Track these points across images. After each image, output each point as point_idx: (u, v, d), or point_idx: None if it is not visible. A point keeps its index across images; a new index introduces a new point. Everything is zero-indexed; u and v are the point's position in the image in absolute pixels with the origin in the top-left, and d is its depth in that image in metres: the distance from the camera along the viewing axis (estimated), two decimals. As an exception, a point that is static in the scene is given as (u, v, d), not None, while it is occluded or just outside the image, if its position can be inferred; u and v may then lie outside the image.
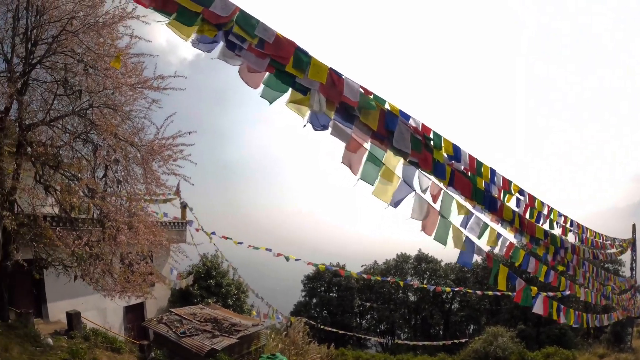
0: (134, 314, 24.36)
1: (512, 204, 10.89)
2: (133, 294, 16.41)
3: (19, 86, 13.99)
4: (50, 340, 15.35)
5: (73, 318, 17.83)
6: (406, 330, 53.73)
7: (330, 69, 6.00)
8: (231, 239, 27.03)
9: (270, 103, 6.33)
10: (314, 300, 53.11)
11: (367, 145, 6.99)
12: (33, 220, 14.59)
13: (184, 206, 27.48)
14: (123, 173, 15.51)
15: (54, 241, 14.27)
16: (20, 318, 16.26)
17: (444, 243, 7.79)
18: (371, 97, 6.56)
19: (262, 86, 6.24)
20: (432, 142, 7.32)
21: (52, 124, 14.93)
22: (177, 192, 21.34)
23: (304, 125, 6.50)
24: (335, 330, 36.35)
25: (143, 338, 22.08)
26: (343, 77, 6.12)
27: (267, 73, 6.07)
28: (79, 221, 16.32)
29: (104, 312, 21.67)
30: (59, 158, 15.12)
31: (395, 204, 7.21)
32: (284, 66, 5.81)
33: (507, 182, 10.09)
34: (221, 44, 5.86)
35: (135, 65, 15.00)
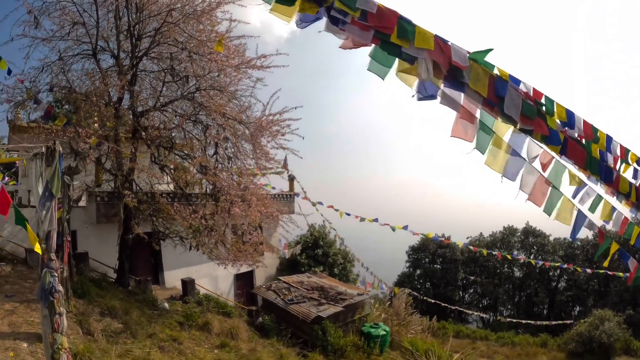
0: (244, 281, 25.66)
1: (628, 174, 9.91)
2: (244, 262, 17.21)
3: (129, 78, 14.97)
4: (166, 305, 16.52)
5: (187, 285, 19.09)
6: (509, 307, 51.86)
7: (436, 35, 5.85)
8: (337, 210, 27.19)
9: (381, 76, 6.23)
10: (418, 272, 52.69)
11: (478, 113, 6.76)
12: (152, 197, 15.81)
13: (291, 178, 28.26)
14: (233, 150, 16.23)
15: (171, 215, 15.33)
16: (139, 285, 17.65)
17: (553, 215, 7.33)
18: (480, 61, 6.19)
19: (368, 60, 6.16)
20: (544, 108, 6.82)
21: (163, 109, 16.02)
22: (285, 166, 21.74)
23: (413, 95, 6.43)
24: (437, 302, 35.80)
25: (251, 304, 23.18)
26: (449, 43, 5.94)
27: (373, 45, 5.99)
28: (193, 196, 17.48)
29: (215, 279, 23.08)
30: (173, 140, 16.23)
31: (509, 175, 6.96)
32: (388, 36, 5.73)
33: (624, 151, 9.02)
34: (324, 19, 5.80)
35: (237, 47, 15.45)
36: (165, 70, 15.82)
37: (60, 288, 6.27)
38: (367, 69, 6.24)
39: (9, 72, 15.47)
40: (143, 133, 15.49)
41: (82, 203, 18.13)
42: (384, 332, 18.67)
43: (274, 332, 18.02)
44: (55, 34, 15.28)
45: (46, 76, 15.68)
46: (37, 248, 6.29)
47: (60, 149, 6.36)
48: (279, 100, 16.65)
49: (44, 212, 6.33)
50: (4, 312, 10.90)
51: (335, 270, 28.73)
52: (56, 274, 6.24)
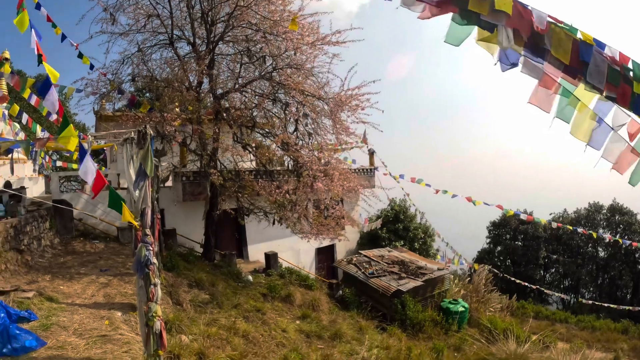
0: (325, 255, 26.16)
1: None
2: (327, 236, 17.51)
3: (207, 62, 15.50)
4: (250, 278, 17.11)
5: (270, 258, 19.71)
6: (591, 289, 49.06)
7: (515, 0, 5.72)
8: (419, 181, 26.94)
9: (457, 45, 6.20)
10: (498, 248, 50.85)
11: (559, 81, 6.54)
12: (237, 175, 16.49)
13: (371, 152, 28.25)
14: (313, 126, 16.44)
15: (256, 191, 15.96)
16: (224, 259, 18.44)
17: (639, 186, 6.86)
18: (562, 25, 6.02)
19: (445, 31, 6.09)
20: (631, 74, 6.34)
21: (242, 89, 16.46)
22: (364, 140, 21.69)
23: (495, 64, 6.33)
24: (518, 281, 34.36)
25: (332, 277, 23.75)
26: (529, 7, 5.82)
27: (451, 14, 5.94)
28: (275, 173, 17.95)
29: (297, 253, 23.67)
30: (254, 119, 16.67)
31: (594, 143, 6.72)
32: (466, 3, 5.69)
33: None
34: None
35: (311, 25, 15.57)
36: (242, 53, 16.28)
37: (155, 260, 6.77)
38: (444, 41, 6.21)
39: (92, 67, 16.56)
40: (224, 114, 16.01)
41: (168, 183, 19.17)
42: (463, 309, 18.56)
43: (354, 304, 18.24)
44: (132, 27, 16.25)
45: (127, 67, 16.78)
46: (134, 222, 6.81)
47: (151, 132, 6.81)
48: (356, 75, 16.62)
49: (139, 190, 6.84)
50: (99, 284, 11.82)
51: (416, 245, 28.55)
52: (151, 248, 6.74)
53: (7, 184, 15.69)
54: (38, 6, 14.02)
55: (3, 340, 7.38)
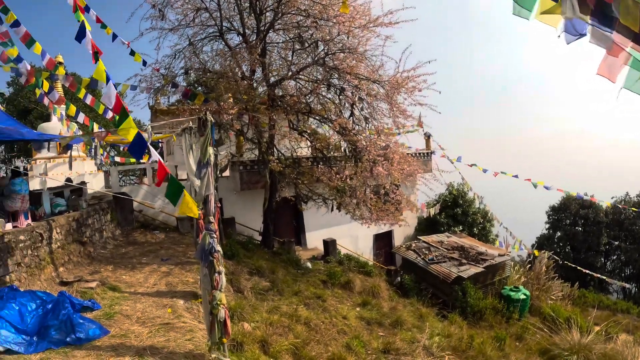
0: (383, 241, 25.84)
1: None
2: (387, 221, 17.16)
3: (259, 52, 15.43)
4: (309, 264, 17.19)
5: (329, 245, 19.66)
6: None
7: None
8: (476, 164, 26.48)
9: (528, 18, 5.94)
10: (558, 234, 48.39)
11: (628, 50, 5.97)
12: (296, 162, 16.52)
13: (428, 136, 27.66)
14: (369, 110, 16.10)
15: (315, 178, 15.93)
16: (283, 246, 18.56)
17: None
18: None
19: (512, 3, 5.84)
20: None
21: (296, 76, 16.34)
22: (420, 123, 21.30)
23: (559, 36, 5.96)
24: (578, 268, 32.92)
25: (390, 264, 23.40)
26: None
27: None
28: (332, 159, 17.85)
29: (355, 239, 23.47)
30: (309, 105, 16.52)
31: None
32: None
33: None
34: None
35: (362, 7, 15.28)
36: (293, 39, 16.18)
37: (219, 248, 6.74)
38: (513, 13, 5.96)
39: (144, 63, 16.89)
40: (279, 102, 16.00)
41: (226, 173, 19.31)
42: (524, 296, 17.91)
43: (414, 291, 17.94)
44: (181, 22, 16.47)
45: (179, 61, 17.09)
46: (195, 210, 6.79)
47: (211, 119, 6.78)
48: (410, 56, 16.24)
49: (201, 178, 6.82)
50: (161, 273, 12.02)
51: (475, 230, 27.86)
52: (215, 236, 6.72)
53: (68, 180, 16.14)
54: (87, 9, 14.28)
55: (67, 329, 7.54)
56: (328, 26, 15.41)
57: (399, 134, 19.28)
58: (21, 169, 25.29)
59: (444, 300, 17.67)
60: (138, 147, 6.93)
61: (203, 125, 6.75)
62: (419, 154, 27.09)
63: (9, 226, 10.43)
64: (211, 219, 6.74)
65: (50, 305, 8.21)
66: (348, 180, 15.64)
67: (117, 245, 15.08)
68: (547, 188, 25.13)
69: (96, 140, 15.07)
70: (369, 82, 15.62)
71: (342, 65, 15.24)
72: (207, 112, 6.87)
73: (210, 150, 6.76)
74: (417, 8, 14.73)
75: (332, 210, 17.31)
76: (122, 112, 6.95)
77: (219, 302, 6.69)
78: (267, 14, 16.39)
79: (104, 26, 15.75)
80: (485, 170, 26.11)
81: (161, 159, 7.07)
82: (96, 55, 8.05)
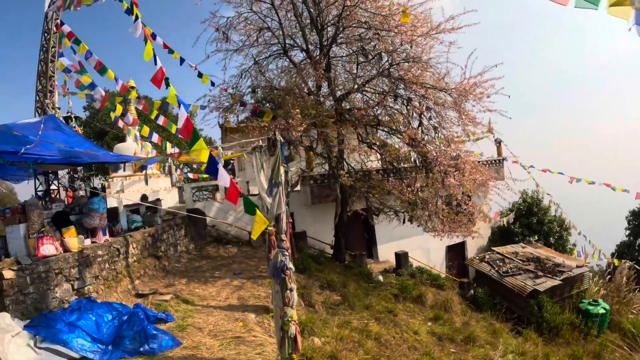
0: (455, 252, 25.32)
1: None
2: (459, 233, 16.77)
3: (324, 67, 15.62)
4: (380, 278, 16.98)
5: (401, 257, 19.50)
6: None
7: None
8: (550, 170, 25.16)
9: (596, 6, 5.76)
10: (639, 241, 44.44)
11: None
12: (366, 175, 16.38)
13: (498, 142, 26.83)
14: (437, 119, 15.84)
15: (386, 191, 15.77)
16: (354, 259, 18.46)
17: None
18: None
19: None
20: None
21: (361, 89, 16.38)
22: (490, 129, 20.73)
23: (629, 29, 5.67)
24: None
25: (462, 276, 22.92)
26: None
27: None
28: (402, 170, 17.59)
29: (427, 251, 23.11)
30: (377, 117, 16.48)
31: None
32: None
33: None
34: None
35: (423, 14, 15.15)
36: (356, 52, 16.18)
37: (291, 266, 6.81)
38: (575, 6, 5.86)
39: (212, 84, 17.58)
40: (347, 115, 16.02)
41: (297, 187, 19.50)
42: (603, 311, 16.84)
43: (487, 305, 17.47)
44: (245, 43, 16.99)
45: (246, 80, 17.65)
46: (267, 228, 6.88)
47: (281, 138, 6.89)
48: (476, 61, 15.81)
49: (273, 197, 6.93)
50: (233, 287, 12.23)
51: (551, 239, 26.66)
52: (287, 253, 6.80)
53: (144, 197, 16.74)
54: (154, 36, 14.88)
55: (141, 340, 7.85)
56: (390, 36, 15.35)
57: (468, 141, 18.86)
58: (99, 187, 26.43)
59: (519, 315, 17.04)
60: (211, 168, 7.12)
61: (273, 145, 6.87)
62: (491, 161, 26.38)
63: (87, 242, 11.06)
64: (283, 236, 6.82)
65: (125, 317, 8.58)
66: (419, 193, 15.45)
67: (190, 259, 15.49)
68: (626, 191, 23.81)
69: (170, 160, 15.63)
70: (435, 91, 15.38)
71: (408, 75, 15.11)
72: (277, 132, 6.97)
73: (281, 169, 6.87)
74: (478, 10, 14.41)
75: (403, 223, 17.10)
76: (194, 134, 7.15)
77: (290, 319, 6.74)
78: (329, 28, 16.56)
79: (171, 51, 16.45)
80: (560, 173, 24.93)
81: (233, 180, 7.22)
82: (166, 80, 8.34)
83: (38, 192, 17.31)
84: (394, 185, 15.73)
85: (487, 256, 21.05)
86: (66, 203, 15.90)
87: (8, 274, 8.43)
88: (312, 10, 16.14)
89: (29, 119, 13.32)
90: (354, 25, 15.74)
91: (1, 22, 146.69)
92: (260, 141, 7.39)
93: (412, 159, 16.92)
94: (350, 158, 17.17)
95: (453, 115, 15.83)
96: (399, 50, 15.52)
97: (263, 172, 7.25)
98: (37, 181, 17.15)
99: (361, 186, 15.84)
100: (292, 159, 15.75)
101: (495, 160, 26.74)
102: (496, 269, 19.28)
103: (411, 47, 15.29)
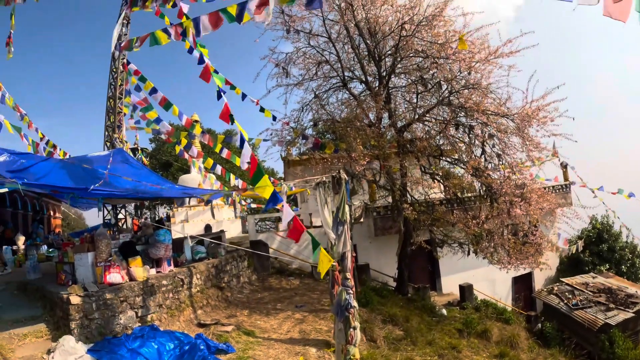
0: (522, 284, 24.38)
1: None
2: (527, 265, 16.06)
3: (383, 98, 15.65)
4: (444, 311, 16.56)
5: (465, 290, 19.00)
6: None
7: None
8: (621, 191, 23.68)
9: None
10: None
11: None
12: (430, 207, 16.23)
13: (564, 166, 25.70)
14: (500, 146, 15.35)
15: (451, 223, 15.54)
16: (417, 292, 18.06)
17: None
18: None
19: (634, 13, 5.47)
20: None
21: (422, 119, 16.21)
22: (555, 153, 19.99)
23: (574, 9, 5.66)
24: None
25: (530, 309, 22.00)
26: None
27: None
28: (465, 200, 17.30)
29: (492, 283, 22.36)
30: (440, 147, 16.30)
31: None
32: None
33: None
34: None
35: (480, 39, 14.93)
36: (416, 82, 16.17)
37: (355, 304, 6.78)
38: (636, 10, 5.49)
39: (274, 118, 17.98)
40: (409, 146, 15.94)
41: (360, 220, 19.49)
42: None
43: (555, 341, 16.82)
44: (304, 77, 17.27)
45: (307, 114, 17.79)
46: (331, 264, 6.88)
47: (345, 177, 6.91)
48: (537, 83, 15.34)
49: (338, 236, 6.93)
50: (295, 320, 12.23)
51: (623, 268, 25.39)
52: (351, 291, 6.77)
53: (208, 227, 17.08)
54: (216, 72, 15.36)
55: (202, 370, 7.87)
56: (448, 64, 15.20)
57: (533, 166, 18.28)
58: (164, 216, 27.15)
59: (589, 352, 16.37)
60: (275, 204, 7.22)
61: (337, 183, 6.90)
62: (557, 187, 25.29)
63: (152, 271, 11.47)
64: (348, 275, 6.80)
65: (187, 346, 8.76)
66: (485, 225, 15.02)
67: (253, 291, 15.62)
68: None
69: (234, 194, 15.95)
70: (497, 117, 15.03)
71: (468, 103, 14.85)
72: (341, 170, 7.00)
73: (347, 208, 6.88)
74: (539, 25, 13.99)
75: (468, 255, 16.72)
76: (258, 171, 7.27)
77: (352, 357, 6.69)
78: (387, 59, 16.60)
79: (233, 87, 16.89)
80: (631, 195, 23.66)
81: (297, 216, 7.28)
82: (232, 117, 8.59)
83: (105, 220, 17.98)
84: (458, 218, 15.43)
85: (556, 288, 20.38)
86: (132, 230, 16.47)
87: (75, 299, 8.89)
88: (368, 42, 16.27)
89: (98, 152, 13.99)
90: (411, 54, 15.75)
91: (72, 63, 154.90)
92: (324, 177, 7.44)
93: (476, 189, 16.59)
94: (413, 190, 17.01)
95: (516, 141, 15.31)
96: (458, 77, 15.34)
97: (327, 207, 7.29)
98: (105, 210, 17.82)
99: (425, 219, 15.65)
100: (355, 192, 15.75)
101: (561, 186, 25.62)
102: (565, 301, 18.64)
103: (470, 73, 15.10)
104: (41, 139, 18.25)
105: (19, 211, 26.03)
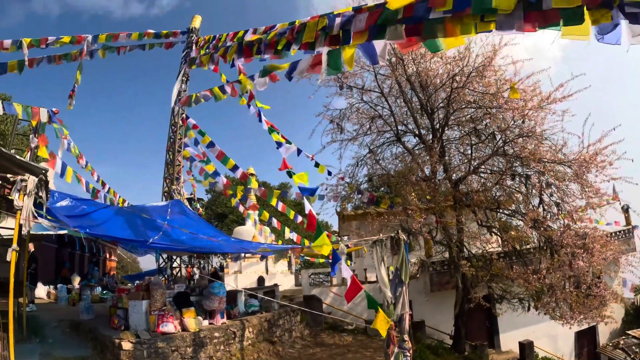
0: (585, 338, 23.28)
1: None
2: (591, 319, 15.36)
3: (437, 151, 15.60)
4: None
5: (526, 347, 18.20)
6: None
7: None
8: None
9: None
10: None
11: None
12: (487, 262, 15.72)
13: (626, 209, 24.31)
14: (559, 194, 14.96)
15: (511, 278, 14.97)
16: (475, 350, 17.59)
17: None
18: None
19: None
20: None
21: (478, 171, 16.11)
22: (615, 196, 19.17)
23: (595, 40, 5.41)
24: None
25: (596, 365, 20.97)
26: None
27: None
28: (524, 253, 16.59)
29: (554, 338, 21.41)
30: (496, 199, 16.01)
31: None
32: None
33: None
34: (622, 22, 5.10)
35: (532, 86, 14.72)
36: (469, 133, 16.13)
37: (412, 367, 6.64)
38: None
39: (329, 173, 18.15)
40: (464, 199, 15.77)
41: (416, 275, 19.22)
42: None
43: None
44: (358, 132, 17.60)
45: (362, 169, 18.01)
46: (388, 324, 6.75)
47: (404, 237, 6.88)
48: (593, 127, 14.94)
49: (397, 297, 6.85)
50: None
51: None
52: (408, 354, 6.63)
53: (261, 279, 17.12)
54: (270, 130, 15.76)
55: None
56: (501, 113, 15.14)
57: (593, 211, 17.59)
58: (217, 266, 27.40)
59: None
60: (333, 263, 7.23)
61: (396, 244, 6.87)
62: (619, 232, 23.92)
63: (205, 323, 11.62)
64: (405, 337, 6.67)
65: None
66: (545, 280, 14.35)
67: (304, 346, 15.44)
68: None
69: (291, 253, 16.06)
70: (554, 165, 14.68)
71: (524, 152, 14.61)
72: (400, 231, 6.96)
73: (406, 269, 6.82)
74: (587, 65, 13.68)
75: (528, 310, 16.12)
76: (317, 229, 7.32)
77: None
78: (439, 111, 16.66)
79: (289, 142, 17.15)
80: None
81: (354, 276, 7.23)
82: (289, 173, 8.77)
83: (160, 267, 18.37)
84: (518, 274, 14.76)
85: (622, 342, 19.39)
86: (186, 278, 16.67)
87: (127, 345, 9.16)
88: (420, 95, 16.41)
89: (157, 202, 14.40)
90: (464, 106, 15.82)
91: (134, 117, 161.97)
92: (381, 235, 7.42)
93: (535, 240, 16.06)
94: (470, 244, 16.68)
95: (575, 188, 14.89)
96: (511, 126, 15.21)
97: (384, 265, 7.24)
98: (160, 258, 18.23)
99: (483, 275, 15.19)
100: (412, 248, 15.56)
101: (624, 231, 24.30)
102: (632, 356, 17.81)
103: (523, 122, 14.92)
104: (103, 187, 18.94)
105: (77, 252, 26.99)
